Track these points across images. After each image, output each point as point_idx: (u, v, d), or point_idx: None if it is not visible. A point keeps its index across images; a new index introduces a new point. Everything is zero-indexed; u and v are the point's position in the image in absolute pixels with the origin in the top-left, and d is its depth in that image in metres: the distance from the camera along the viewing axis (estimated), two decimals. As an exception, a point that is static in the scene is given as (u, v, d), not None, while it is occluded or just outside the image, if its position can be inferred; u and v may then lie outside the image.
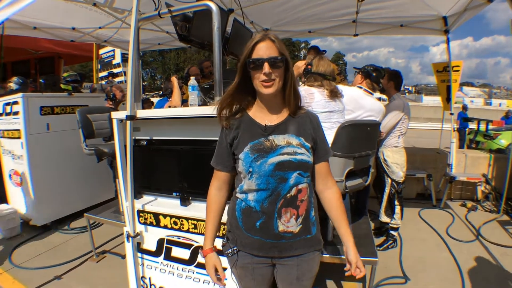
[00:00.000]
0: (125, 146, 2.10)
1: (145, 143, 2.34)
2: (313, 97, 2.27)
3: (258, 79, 1.22)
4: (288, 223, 1.28)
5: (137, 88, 2.18)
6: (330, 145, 2.11)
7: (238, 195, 1.36)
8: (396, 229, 3.42)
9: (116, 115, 2.23)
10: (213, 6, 1.84)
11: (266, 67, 1.19)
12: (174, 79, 3.45)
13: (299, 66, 2.57)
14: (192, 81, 2.25)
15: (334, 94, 2.31)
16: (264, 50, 1.20)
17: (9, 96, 3.97)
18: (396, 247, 3.41)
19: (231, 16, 3.58)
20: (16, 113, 3.85)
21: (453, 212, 4.46)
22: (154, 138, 2.31)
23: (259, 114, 1.33)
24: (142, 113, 2.15)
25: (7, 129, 4.08)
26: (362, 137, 2.20)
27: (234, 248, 1.36)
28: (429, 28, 4.85)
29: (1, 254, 3.48)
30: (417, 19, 4.73)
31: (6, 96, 4.04)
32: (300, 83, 2.60)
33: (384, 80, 3.38)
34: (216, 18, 1.83)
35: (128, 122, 2.07)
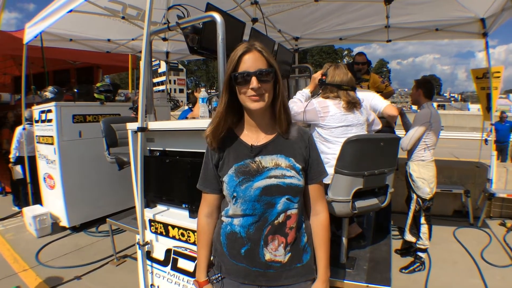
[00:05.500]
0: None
1: (158, 154, 2.37)
2: (327, 111, 2.11)
3: (245, 94, 1.11)
4: (276, 252, 1.17)
5: (148, 100, 2.21)
6: (335, 161, 1.97)
7: (223, 218, 1.26)
8: (424, 251, 3.16)
9: (130, 126, 2.28)
10: (217, 17, 1.81)
11: (254, 82, 1.08)
12: (201, 91, 3.45)
13: (315, 77, 2.38)
14: (203, 93, 2.25)
15: (352, 106, 2.13)
16: (251, 62, 1.10)
17: (44, 104, 4.26)
18: (423, 271, 3.15)
19: (254, 25, 3.58)
20: (49, 120, 4.13)
21: (491, 232, 4.08)
22: (167, 149, 2.33)
23: (247, 133, 1.23)
24: (153, 125, 2.18)
25: (42, 135, 4.39)
26: (374, 153, 1.98)
27: (219, 275, 1.27)
28: (466, 31, 4.52)
29: (29, 251, 3.71)
30: (453, 22, 4.43)
31: (42, 104, 4.34)
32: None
33: (412, 88, 3.26)
34: (220, 29, 1.80)
35: (139, 134, 2.12)
